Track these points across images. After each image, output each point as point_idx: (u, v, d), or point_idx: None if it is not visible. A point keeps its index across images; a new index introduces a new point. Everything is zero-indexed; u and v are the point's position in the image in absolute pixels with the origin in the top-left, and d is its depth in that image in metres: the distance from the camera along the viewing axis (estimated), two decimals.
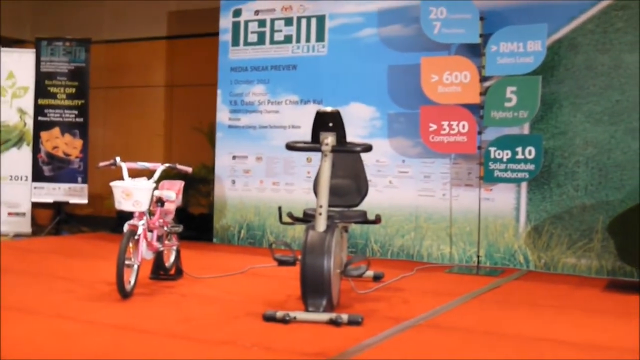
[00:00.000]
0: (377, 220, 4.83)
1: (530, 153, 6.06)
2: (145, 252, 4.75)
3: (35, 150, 8.26)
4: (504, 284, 5.66)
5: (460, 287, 5.36)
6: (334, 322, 3.92)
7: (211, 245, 7.69)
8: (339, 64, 7.23)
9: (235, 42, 7.77)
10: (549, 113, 6.29)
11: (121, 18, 9.94)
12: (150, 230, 4.81)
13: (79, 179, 8.33)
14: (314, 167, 6.39)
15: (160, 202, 4.97)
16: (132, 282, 4.60)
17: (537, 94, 6.03)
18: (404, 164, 6.90)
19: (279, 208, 4.86)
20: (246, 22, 7.72)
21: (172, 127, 9.64)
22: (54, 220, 8.44)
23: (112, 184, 4.69)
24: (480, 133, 6.30)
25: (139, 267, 4.68)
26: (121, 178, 4.80)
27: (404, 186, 6.89)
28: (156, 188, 4.89)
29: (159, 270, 5.27)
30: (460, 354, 3.55)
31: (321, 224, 4.21)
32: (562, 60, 6.26)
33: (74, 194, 8.30)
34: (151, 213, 4.89)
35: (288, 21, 7.50)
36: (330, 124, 4.23)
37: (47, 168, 8.28)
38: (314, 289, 4.07)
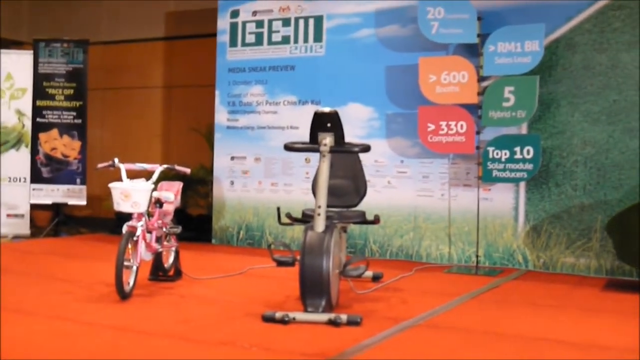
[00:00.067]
0: (376, 220, 4.83)
1: (528, 153, 6.06)
2: (144, 253, 4.74)
3: (34, 151, 8.26)
4: (503, 283, 5.66)
5: (459, 287, 5.36)
6: (333, 323, 3.92)
7: (210, 246, 7.69)
8: (336, 65, 7.23)
9: (233, 42, 7.77)
10: (546, 113, 6.30)
11: (119, 19, 9.93)
12: (149, 232, 4.81)
13: (78, 181, 8.32)
14: (313, 168, 6.39)
15: (158, 203, 4.97)
16: (131, 283, 4.60)
17: (535, 93, 6.03)
18: (403, 164, 6.90)
19: (278, 209, 4.86)
20: (244, 23, 7.71)
21: (170, 128, 9.64)
22: (52, 221, 8.43)
23: (110, 185, 4.69)
24: (478, 133, 6.30)
25: (137, 268, 4.67)
26: (120, 179, 4.79)
27: (403, 186, 6.89)
28: (155, 189, 4.88)
29: (158, 271, 5.27)
30: (459, 354, 3.55)
31: (320, 224, 4.20)
32: (560, 60, 6.27)
33: (73, 195, 8.29)
34: (150, 214, 4.88)
35: (286, 22, 7.50)
36: (329, 125, 4.23)
37: (45, 169, 8.27)
38: (313, 289, 4.06)
